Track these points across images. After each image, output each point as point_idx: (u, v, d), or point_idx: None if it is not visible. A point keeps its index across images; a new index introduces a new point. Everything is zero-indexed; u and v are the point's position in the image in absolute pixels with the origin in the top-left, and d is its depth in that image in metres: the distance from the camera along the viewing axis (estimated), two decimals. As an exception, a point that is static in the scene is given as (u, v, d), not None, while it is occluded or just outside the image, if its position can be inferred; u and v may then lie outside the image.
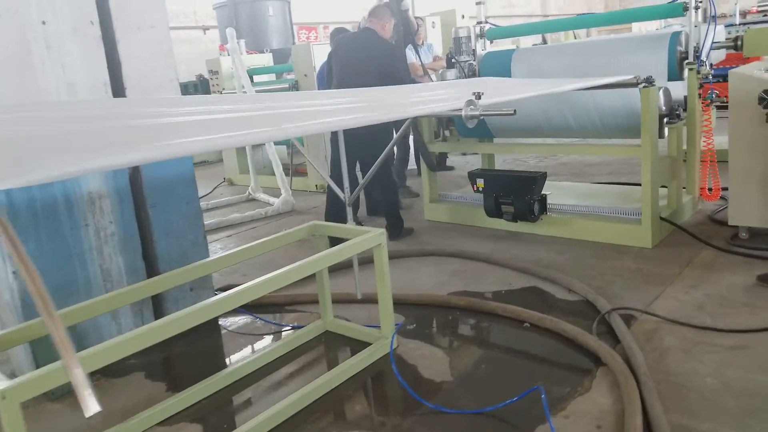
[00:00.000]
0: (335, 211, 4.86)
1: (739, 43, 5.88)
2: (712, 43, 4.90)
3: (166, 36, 3.19)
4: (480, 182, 4.68)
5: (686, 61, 4.59)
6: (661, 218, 4.28)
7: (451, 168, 7.65)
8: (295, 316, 3.44)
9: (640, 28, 14.07)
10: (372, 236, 2.77)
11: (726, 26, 10.08)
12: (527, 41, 11.24)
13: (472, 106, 2.45)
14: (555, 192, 5.25)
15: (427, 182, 5.42)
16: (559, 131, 5.04)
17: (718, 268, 3.71)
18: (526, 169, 7.07)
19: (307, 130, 2.36)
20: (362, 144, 4.53)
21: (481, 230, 4.94)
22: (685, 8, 4.58)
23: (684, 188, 4.90)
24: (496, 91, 4.01)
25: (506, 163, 7.09)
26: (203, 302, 2.23)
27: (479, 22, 5.69)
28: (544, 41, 13.51)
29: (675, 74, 4.60)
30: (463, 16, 10.56)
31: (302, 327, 3.16)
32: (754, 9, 11.53)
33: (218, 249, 5.23)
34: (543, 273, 3.76)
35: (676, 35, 4.60)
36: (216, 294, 3.52)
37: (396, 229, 4.97)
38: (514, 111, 2.48)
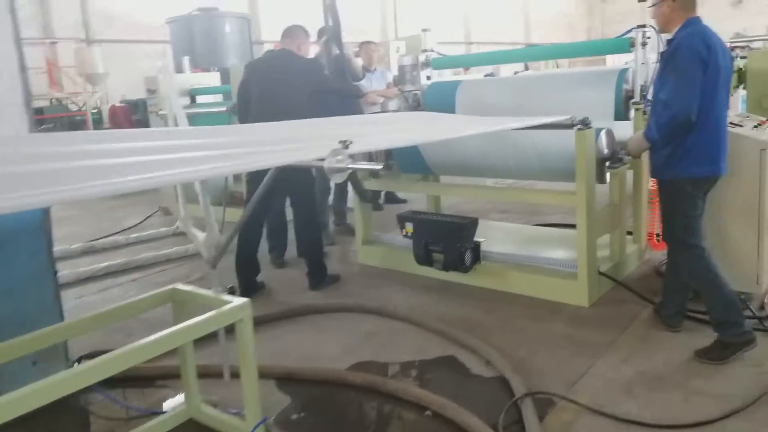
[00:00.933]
0: (245, 255, 4.41)
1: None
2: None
3: (10, 52, 2.72)
4: (409, 227, 4.27)
5: (632, 100, 4.24)
6: (600, 273, 3.89)
7: (404, 201, 7.18)
8: (163, 396, 2.95)
9: (614, 60, 13.93)
10: (232, 309, 2.32)
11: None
12: (508, 69, 10.91)
13: (339, 157, 2.04)
14: (496, 235, 4.86)
15: (361, 220, 4.99)
16: (499, 171, 4.67)
17: (656, 337, 3.31)
18: (475, 207, 6.70)
19: (137, 185, 1.93)
20: (292, 176, 4.04)
21: (413, 279, 4.51)
22: (632, 44, 4.23)
23: (630, 234, 4.55)
24: (421, 129, 3.64)
25: (453, 202, 6.71)
26: (40, 381, 1.86)
27: (424, 50, 5.32)
28: (526, 68, 13.26)
29: (622, 114, 4.25)
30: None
31: (163, 413, 2.68)
32: (728, 45, 11.43)
33: (117, 297, 4.71)
34: (463, 339, 3.33)
35: (623, 72, 4.25)
36: (75, 365, 3.03)
37: (318, 277, 4.52)
38: (383, 166, 2.07)
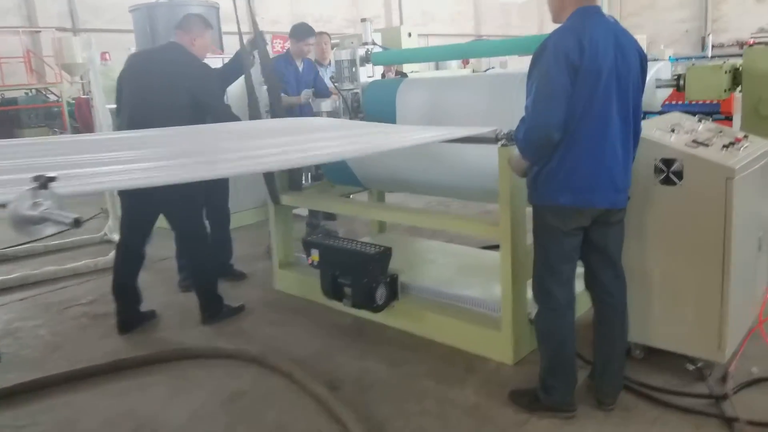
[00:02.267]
0: (121, 283, 3.78)
1: (681, 82, 4.82)
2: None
3: None
4: (315, 254, 3.60)
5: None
6: (531, 321, 3.17)
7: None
8: None
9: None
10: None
11: (711, 58, 9.02)
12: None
13: (36, 200, 1.39)
14: (427, 262, 4.16)
15: (278, 236, 4.31)
16: (427, 188, 3.96)
17: (582, 414, 2.61)
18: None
19: None
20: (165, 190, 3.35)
21: (328, 314, 3.82)
22: None
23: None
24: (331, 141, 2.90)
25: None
26: None
27: (365, 43, 4.60)
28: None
29: None
30: (410, 34, 9.44)
31: None
32: (751, 41, 10.43)
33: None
34: (337, 412, 2.66)
35: None
36: None
37: (211, 310, 3.86)
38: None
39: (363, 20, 4.67)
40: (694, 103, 5.22)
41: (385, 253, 3.37)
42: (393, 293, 3.49)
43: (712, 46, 18.06)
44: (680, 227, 2.74)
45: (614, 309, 2.68)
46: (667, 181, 2.75)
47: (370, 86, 4.43)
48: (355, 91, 4.46)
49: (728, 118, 5.28)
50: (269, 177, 4.09)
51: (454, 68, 10.32)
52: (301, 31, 5.43)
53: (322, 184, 4.50)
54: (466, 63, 18.91)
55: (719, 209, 2.62)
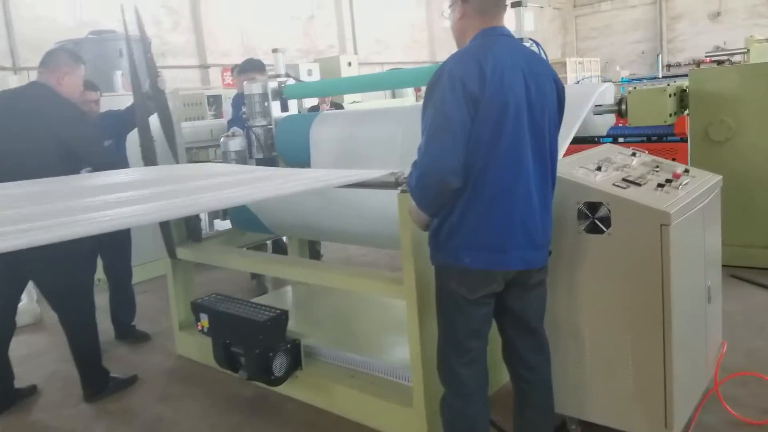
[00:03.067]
0: None
1: (623, 107, 4.47)
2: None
3: None
4: (204, 319, 3.09)
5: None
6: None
7: (319, 255, 5.51)
8: None
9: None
10: None
11: (663, 78, 8.81)
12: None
13: None
14: (344, 317, 3.68)
15: (176, 294, 3.79)
16: (339, 235, 3.50)
17: None
18: (371, 259, 5.49)
19: None
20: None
21: (230, 383, 3.30)
22: None
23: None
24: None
25: (351, 253, 5.50)
26: None
27: (276, 75, 4.16)
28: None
29: None
30: (350, 64, 9.07)
31: None
32: (706, 59, 10.26)
33: None
34: None
35: None
36: None
37: (93, 386, 3.31)
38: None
39: (274, 51, 4.24)
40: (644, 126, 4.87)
41: (279, 319, 2.87)
42: (295, 361, 2.99)
43: (669, 66, 18.15)
44: (612, 282, 2.32)
45: (536, 387, 2.22)
46: (593, 229, 2.33)
47: (283, 122, 3.99)
48: (268, 127, 4.03)
49: (684, 140, 4.96)
50: (165, 227, 3.59)
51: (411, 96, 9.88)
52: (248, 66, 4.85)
53: (231, 231, 4.02)
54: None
55: (655, 261, 2.20)
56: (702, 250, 2.52)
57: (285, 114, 4.06)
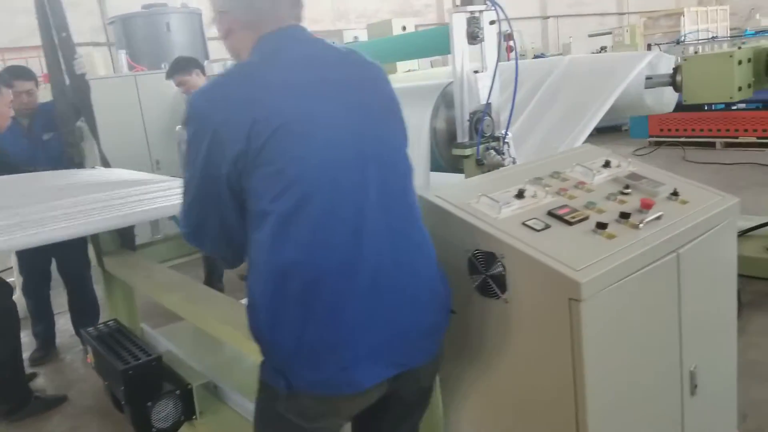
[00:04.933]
0: None
1: (678, 78, 3.43)
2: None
3: None
4: (90, 353, 2.68)
5: (455, 141, 2.33)
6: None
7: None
8: None
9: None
10: None
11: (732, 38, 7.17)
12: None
13: None
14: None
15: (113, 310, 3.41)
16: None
17: None
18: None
19: None
20: None
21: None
22: (473, 36, 2.30)
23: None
24: None
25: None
26: None
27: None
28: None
29: (443, 160, 2.40)
30: (404, 28, 8.16)
31: None
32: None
33: None
34: None
35: (447, 89, 2.37)
36: None
37: (11, 402, 3.05)
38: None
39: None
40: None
41: (147, 367, 2.36)
42: (186, 410, 2.50)
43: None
44: (511, 371, 1.57)
45: None
46: (485, 291, 1.58)
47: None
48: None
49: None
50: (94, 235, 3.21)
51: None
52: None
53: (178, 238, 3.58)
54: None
55: (563, 342, 1.42)
56: (676, 317, 1.66)
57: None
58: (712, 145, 7.87)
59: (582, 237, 1.53)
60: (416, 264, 1.38)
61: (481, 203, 1.63)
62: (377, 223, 1.31)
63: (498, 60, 2.26)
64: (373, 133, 1.35)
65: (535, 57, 13.07)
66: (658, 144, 8.37)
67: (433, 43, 2.42)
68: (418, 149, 2.31)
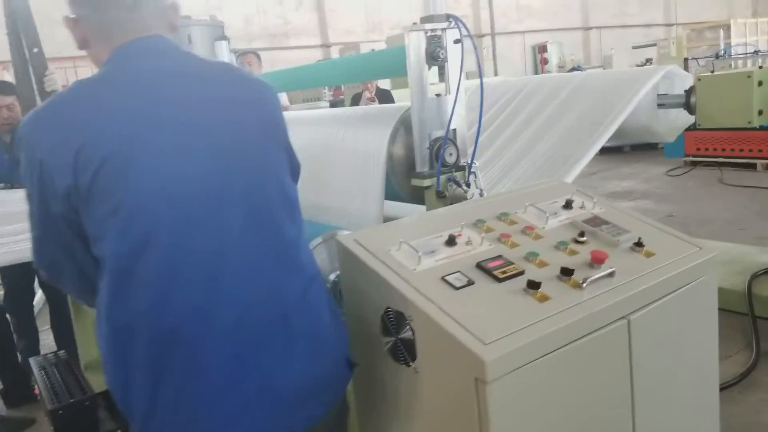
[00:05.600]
0: None
1: (692, 100, 3.13)
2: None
3: None
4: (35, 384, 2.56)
5: (415, 171, 2.12)
6: None
7: None
8: None
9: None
10: None
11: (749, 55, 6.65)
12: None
13: None
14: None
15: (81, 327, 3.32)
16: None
17: None
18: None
19: None
20: None
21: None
22: (433, 57, 2.08)
23: None
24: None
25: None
26: None
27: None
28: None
29: (401, 190, 2.19)
30: None
31: None
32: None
33: None
34: None
35: (406, 114, 2.17)
36: None
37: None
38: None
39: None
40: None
41: (80, 408, 2.21)
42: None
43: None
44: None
45: None
46: (396, 355, 1.36)
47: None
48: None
49: None
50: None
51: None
52: None
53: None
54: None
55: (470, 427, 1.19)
56: (627, 398, 1.39)
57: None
58: (753, 166, 7.37)
59: (508, 298, 1.29)
60: (295, 308, 1.19)
61: (402, 251, 1.42)
62: (242, 262, 1.13)
63: (460, 82, 2.04)
64: (241, 163, 1.16)
65: (572, 70, 12.67)
66: (694, 164, 7.90)
67: (389, 64, 2.22)
68: (372, 178, 2.11)
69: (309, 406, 1.19)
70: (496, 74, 16.69)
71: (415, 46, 2.00)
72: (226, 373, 1.10)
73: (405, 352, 1.32)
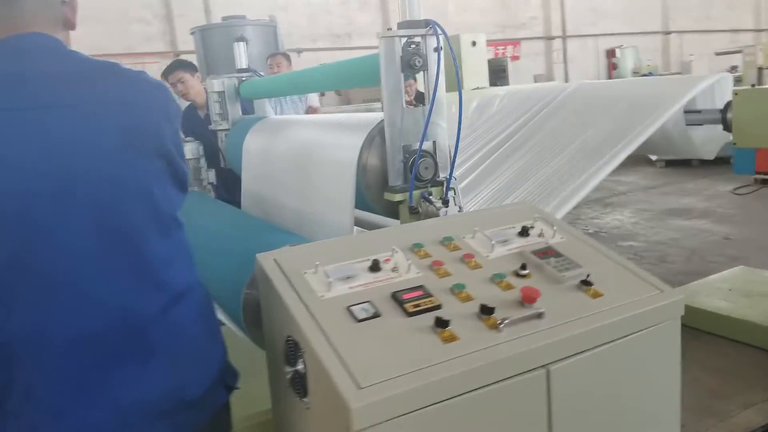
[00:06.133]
0: None
1: (728, 115, 2.86)
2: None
3: None
4: None
5: (388, 185, 2.01)
6: None
7: None
8: None
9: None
10: None
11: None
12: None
13: None
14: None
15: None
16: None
17: None
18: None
19: None
20: None
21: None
22: (412, 65, 1.98)
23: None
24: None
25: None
26: None
27: (240, 70, 3.50)
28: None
29: (375, 204, 2.10)
30: (474, 43, 7.69)
31: None
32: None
33: None
34: None
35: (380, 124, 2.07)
36: None
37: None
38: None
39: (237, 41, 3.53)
40: None
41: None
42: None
43: None
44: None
45: None
46: (294, 388, 1.27)
47: (237, 126, 3.34)
48: (226, 131, 3.44)
49: None
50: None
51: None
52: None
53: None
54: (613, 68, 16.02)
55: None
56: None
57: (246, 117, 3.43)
58: (831, 188, 6.71)
59: (411, 335, 1.18)
60: (154, 324, 1.12)
61: (317, 275, 1.33)
62: (88, 279, 1.08)
63: (435, 91, 1.92)
64: (87, 176, 1.09)
65: (643, 76, 12.06)
66: (765, 182, 7.28)
67: (362, 73, 2.12)
68: (344, 187, 2.02)
69: (159, 426, 1.12)
70: (566, 79, 16.15)
71: (388, 54, 1.89)
72: (67, 389, 1.05)
73: (299, 386, 1.23)
